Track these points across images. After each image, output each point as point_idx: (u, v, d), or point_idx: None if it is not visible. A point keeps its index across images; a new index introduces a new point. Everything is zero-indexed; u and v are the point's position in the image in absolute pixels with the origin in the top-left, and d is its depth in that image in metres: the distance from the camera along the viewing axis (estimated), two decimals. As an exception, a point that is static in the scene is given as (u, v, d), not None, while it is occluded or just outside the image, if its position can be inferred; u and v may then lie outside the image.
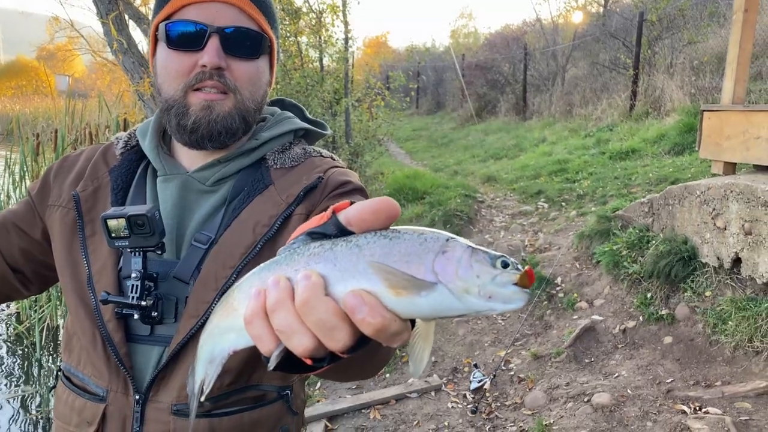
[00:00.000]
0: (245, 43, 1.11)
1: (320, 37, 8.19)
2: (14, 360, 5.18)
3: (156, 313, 1.06)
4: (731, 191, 4.00)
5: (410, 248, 0.53)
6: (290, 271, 0.56)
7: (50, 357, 5.18)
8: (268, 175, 1.16)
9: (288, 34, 7.80)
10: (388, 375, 4.34)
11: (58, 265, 1.16)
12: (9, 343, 5.46)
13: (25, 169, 7.06)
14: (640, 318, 4.33)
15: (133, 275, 1.05)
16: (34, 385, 4.72)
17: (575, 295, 4.90)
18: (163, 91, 1.12)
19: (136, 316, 1.05)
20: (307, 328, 0.54)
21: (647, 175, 7.09)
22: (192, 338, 1.05)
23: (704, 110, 4.93)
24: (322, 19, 8.15)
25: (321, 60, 8.46)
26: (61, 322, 5.42)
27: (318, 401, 3.99)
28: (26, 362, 5.14)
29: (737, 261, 3.99)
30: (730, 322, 3.78)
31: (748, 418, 3.17)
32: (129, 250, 1.05)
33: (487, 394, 4.01)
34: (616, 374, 3.87)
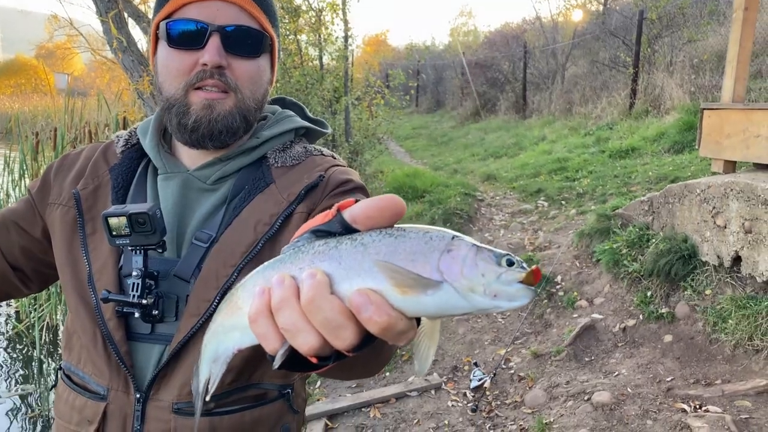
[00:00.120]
0: (246, 42, 1.11)
1: (320, 36, 8.18)
2: (14, 359, 5.18)
3: (157, 312, 1.05)
4: (731, 189, 4.00)
5: (416, 247, 0.52)
6: (295, 270, 0.56)
7: (50, 356, 5.18)
8: (269, 173, 1.16)
9: (287, 33, 7.80)
10: (388, 374, 4.34)
11: (59, 264, 1.16)
12: (8, 342, 5.46)
13: (24, 167, 7.06)
14: (640, 316, 4.33)
15: (134, 273, 1.04)
16: (33, 384, 4.72)
17: (575, 293, 4.90)
18: (164, 89, 1.12)
19: (136, 315, 1.04)
20: (312, 327, 0.53)
21: (647, 174, 7.09)
22: (193, 337, 1.05)
23: (704, 108, 4.93)
24: (322, 17, 8.14)
25: (321, 58, 8.45)
26: (60, 320, 5.42)
27: (318, 400, 3.99)
28: (26, 361, 5.14)
29: (737, 259, 3.98)
30: (730, 321, 3.78)
31: (748, 416, 3.17)
32: (130, 248, 1.05)
33: (488, 393, 4.01)
34: (616, 373, 3.87)
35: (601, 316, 4.50)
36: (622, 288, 4.66)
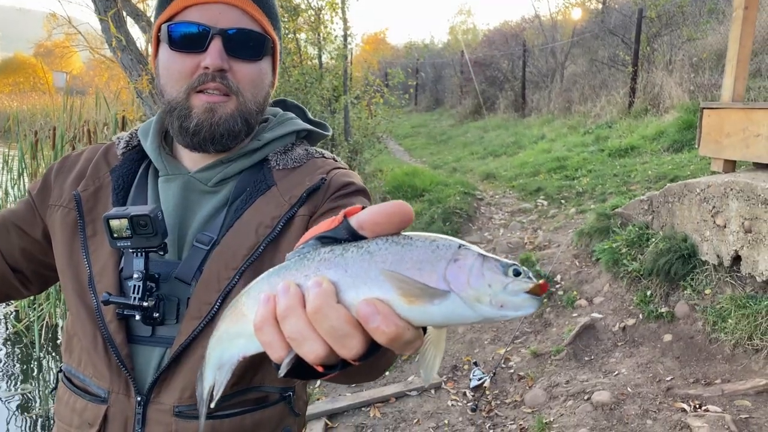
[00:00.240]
0: (248, 45, 1.10)
1: (319, 34, 8.17)
2: (13, 358, 5.17)
3: (157, 314, 1.05)
4: (731, 189, 4.00)
5: (422, 255, 0.52)
6: (300, 277, 0.55)
7: (49, 355, 5.17)
8: (270, 176, 1.16)
9: (287, 32, 7.78)
10: (387, 373, 4.34)
11: (59, 266, 1.16)
12: (8, 342, 5.46)
13: (23, 166, 7.05)
14: (640, 316, 4.33)
15: (135, 276, 1.04)
16: (33, 384, 4.72)
17: (575, 292, 4.90)
18: (166, 92, 1.12)
19: (137, 317, 1.04)
20: (318, 336, 0.53)
21: (646, 173, 7.09)
22: (194, 340, 1.05)
23: (704, 108, 4.93)
24: (321, 16, 8.13)
25: (320, 57, 8.44)
26: (60, 320, 5.41)
27: (318, 399, 3.99)
28: (25, 361, 5.13)
29: (737, 259, 3.99)
30: (729, 320, 3.78)
31: (748, 416, 3.17)
32: (131, 250, 1.04)
33: (487, 392, 4.01)
34: (616, 372, 3.87)
35: (600, 316, 4.50)
36: (622, 287, 4.66)
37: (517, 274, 0.53)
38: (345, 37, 8.29)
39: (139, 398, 1.06)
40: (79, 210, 1.15)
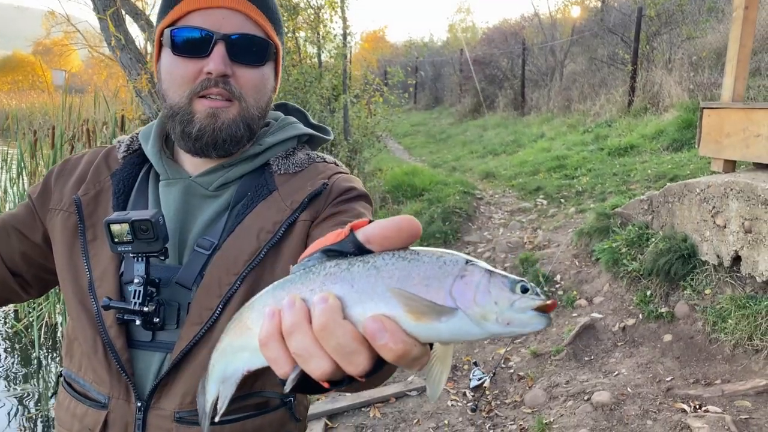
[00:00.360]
0: (251, 50, 1.10)
1: (318, 33, 8.15)
2: (13, 358, 5.16)
3: (158, 319, 1.05)
4: (731, 189, 3.99)
5: (429, 271, 0.52)
6: (305, 291, 0.55)
7: (49, 355, 5.17)
8: (272, 180, 1.15)
9: (286, 31, 7.77)
10: (387, 373, 4.33)
11: (59, 270, 1.16)
12: (7, 342, 5.45)
13: (22, 165, 7.04)
14: (640, 316, 4.33)
15: (136, 281, 1.04)
16: (33, 384, 4.71)
17: (575, 292, 4.90)
18: (168, 97, 1.11)
19: (137, 322, 1.04)
20: (324, 352, 0.53)
21: (646, 172, 7.09)
22: (195, 345, 1.04)
23: (704, 107, 4.92)
24: (321, 15, 8.12)
25: (319, 56, 8.43)
26: (59, 319, 5.41)
27: (318, 399, 3.98)
28: (25, 360, 5.13)
29: (737, 259, 3.98)
30: (729, 320, 3.78)
31: (748, 416, 3.17)
32: (132, 255, 1.04)
33: (487, 393, 4.01)
34: (616, 372, 3.87)
35: (600, 316, 4.50)
36: (622, 287, 4.66)
37: (524, 290, 0.52)
38: (344, 35, 8.27)
39: (139, 404, 1.05)
40: (79, 214, 1.15)
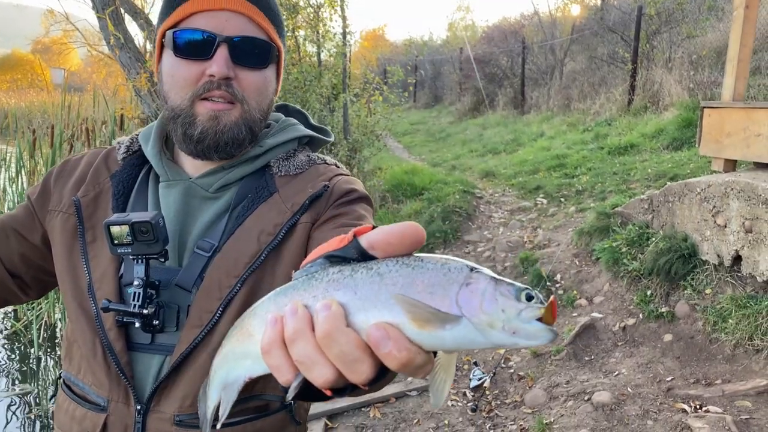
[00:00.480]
0: (253, 53, 1.09)
1: (318, 32, 8.14)
2: (12, 358, 5.16)
3: (157, 322, 1.04)
4: (732, 189, 3.99)
5: (434, 279, 0.51)
6: (308, 298, 0.54)
7: (48, 355, 5.16)
8: (272, 182, 1.15)
9: (286, 30, 7.75)
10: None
11: (58, 272, 1.15)
12: (6, 341, 5.44)
13: (21, 164, 7.02)
14: (640, 315, 4.32)
15: (135, 283, 1.03)
16: (32, 384, 4.70)
17: (575, 292, 4.89)
18: (170, 99, 1.11)
19: (137, 325, 1.03)
20: (327, 360, 0.52)
21: (646, 171, 7.08)
22: (195, 348, 1.04)
23: (704, 107, 4.91)
24: (320, 14, 8.10)
25: (319, 55, 8.42)
26: (58, 319, 5.40)
27: (317, 399, 3.97)
28: (24, 360, 5.12)
29: (737, 259, 3.98)
30: (730, 320, 3.77)
31: (748, 416, 3.16)
32: (131, 257, 1.03)
33: (487, 392, 4.01)
34: (616, 372, 3.87)
35: (600, 315, 4.49)
36: (622, 287, 4.66)
37: (529, 298, 0.51)
38: (344, 34, 8.26)
39: (138, 407, 1.05)
40: (78, 216, 1.14)
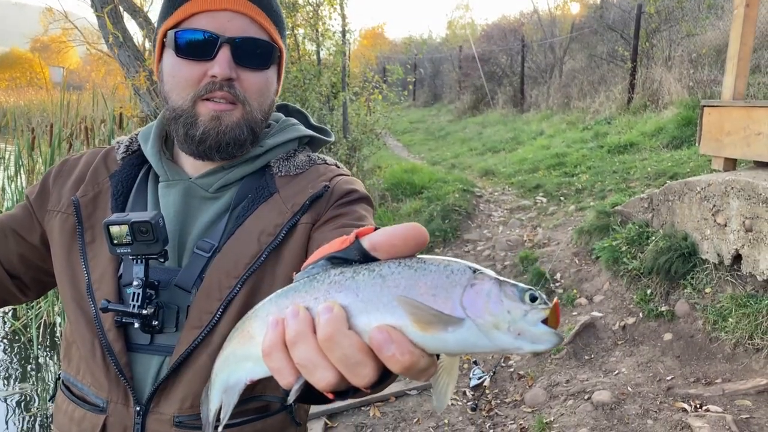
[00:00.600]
0: (255, 54, 1.09)
1: (317, 30, 8.13)
2: (11, 357, 5.15)
3: (157, 322, 1.04)
4: (732, 188, 3.98)
5: (436, 281, 0.50)
6: (310, 300, 0.54)
7: (47, 354, 5.16)
8: (272, 182, 1.14)
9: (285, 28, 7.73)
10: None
11: (57, 272, 1.15)
12: (5, 340, 5.43)
13: (20, 163, 7.02)
14: (640, 314, 4.32)
15: (135, 283, 1.02)
16: (31, 383, 4.70)
17: (574, 291, 4.89)
18: (171, 99, 1.10)
19: (136, 325, 1.03)
20: (329, 363, 0.52)
21: (646, 169, 7.08)
22: (195, 349, 1.03)
23: (704, 106, 4.91)
24: (320, 12, 8.09)
25: (318, 53, 8.41)
26: (57, 319, 5.39)
27: (317, 398, 3.97)
28: (23, 359, 5.11)
29: (738, 258, 3.98)
30: (730, 319, 3.77)
31: (748, 416, 3.16)
32: (131, 257, 1.03)
33: (487, 392, 4.00)
34: (616, 371, 3.87)
35: (600, 314, 4.49)
36: (622, 286, 4.65)
37: (533, 299, 0.51)
38: (343, 32, 8.25)
39: (138, 408, 1.04)
40: (77, 216, 1.14)
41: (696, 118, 6.85)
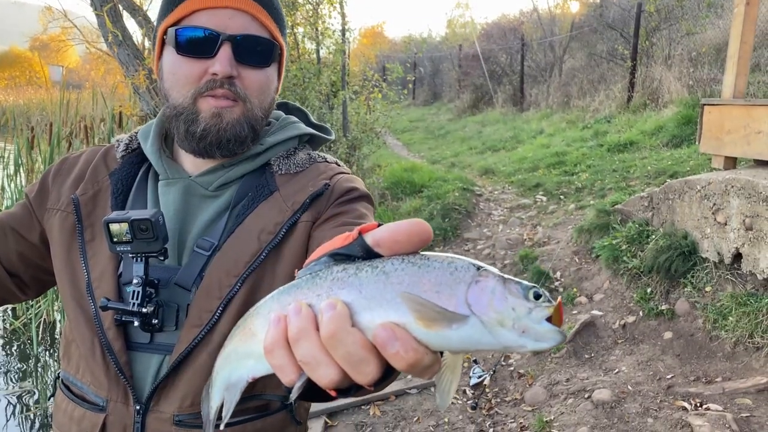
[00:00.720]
0: (256, 51, 1.09)
1: (317, 29, 8.12)
2: (11, 356, 5.15)
3: (156, 321, 1.03)
4: (732, 186, 3.98)
5: (440, 277, 0.50)
6: (312, 297, 0.53)
7: (47, 353, 5.15)
8: (272, 180, 1.14)
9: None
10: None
11: (57, 271, 1.14)
12: (5, 339, 5.43)
13: (20, 162, 7.01)
14: (640, 313, 4.32)
15: (135, 281, 1.02)
16: (31, 382, 4.70)
17: (575, 289, 4.89)
18: (171, 97, 1.09)
19: (136, 324, 1.02)
20: (332, 360, 0.51)
21: (646, 168, 7.08)
22: (195, 348, 1.03)
23: (705, 104, 4.91)
24: (319, 11, 8.08)
25: (318, 52, 8.40)
26: (57, 317, 5.39)
27: (317, 397, 3.97)
28: (23, 358, 5.11)
29: (738, 256, 3.97)
30: (730, 318, 3.77)
31: (749, 414, 3.16)
32: (130, 255, 1.02)
33: (487, 390, 4.00)
34: (617, 370, 3.86)
35: (600, 313, 4.49)
36: (622, 284, 4.65)
37: (537, 296, 0.51)
38: (343, 31, 8.24)
39: (138, 407, 1.04)
40: (77, 214, 1.13)
41: (696, 117, 6.85)
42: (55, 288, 1.12)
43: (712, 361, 3.71)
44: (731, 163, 4.75)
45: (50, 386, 4.49)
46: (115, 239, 1.01)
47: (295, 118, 1.27)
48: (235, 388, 0.65)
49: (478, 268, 0.51)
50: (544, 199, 7.36)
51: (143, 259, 1.02)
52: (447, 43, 25.34)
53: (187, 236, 1.10)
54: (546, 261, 5.38)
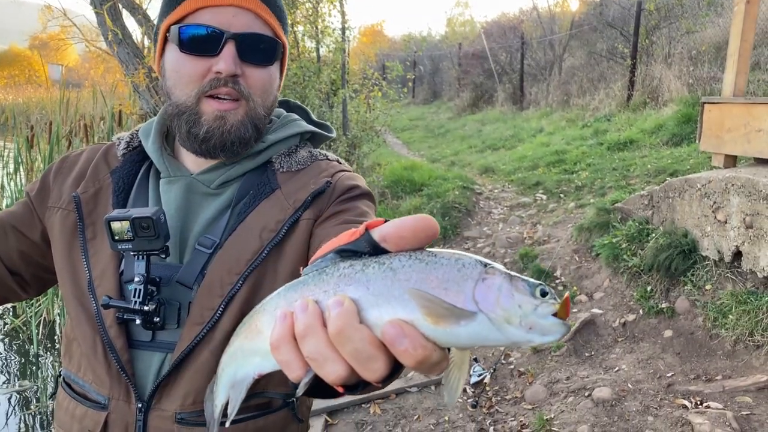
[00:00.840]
0: (260, 50, 1.08)
1: (317, 28, 8.12)
2: (11, 355, 5.15)
3: (158, 319, 1.03)
4: (732, 184, 3.98)
5: (448, 274, 0.50)
6: (319, 293, 0.53)
7: (47, 352, 5.15)
8: (274, 178, 1.14)
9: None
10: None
11: (58, 269, 1.14)
12: (5, 338, 5.43)
13: (19, 160, 7.01)
14: (640, 311, 4.32)
15: (136, 279, 1.02)
16: (31, 381, 4.70)
17: (575, 288, 4.89)
18: (174, 95, 1.09)
19: (137, 322, 1.02)
20: (340, 356, 0.51)
21: (645, 167, 7.08)
22: (197, 346, 1.03)
23: (705, 102, 4.91)
24: (319, 9, 8.08)
25: (318, 50, 8.40)
26: (57, 314, 5.39)
27: (317, 395, 3.97)
28: (23, 357, 5.11)
29: (738, 254, 3.98)
30: (730, 316, 3.77)
31: (749, 412, 3.16)
32: (132, 253, 1.02)
33: (487, 388, 4.00)
34: (617, 368, 3.87)
35: (600, 311, 4.49)
36: (622, 283, 4.65)
37: (543, 294, 0.51)
38: (343, 30, 8.24)
39: (139, 405, 1.04)
40: (78, 212, 1.13)
41: (696, 115, 6.86)
42: (56, 287, 1.12)
43: (712, 359, 3.72)
44: (731, 161, 4.75)
45: (50, 384, 4.49)
46: (116, 237, 1.00)
47: (296, 116, 1.27)
48: (240, 385, 0.65)
49: (485, 265, 0.51)
50: (544, 197, 7.36)
51: (145, 257, 1.02)
52: (447, 41, 25.33)
53: (188, 234, 1.10)
54: (546, 259, 5.38)
